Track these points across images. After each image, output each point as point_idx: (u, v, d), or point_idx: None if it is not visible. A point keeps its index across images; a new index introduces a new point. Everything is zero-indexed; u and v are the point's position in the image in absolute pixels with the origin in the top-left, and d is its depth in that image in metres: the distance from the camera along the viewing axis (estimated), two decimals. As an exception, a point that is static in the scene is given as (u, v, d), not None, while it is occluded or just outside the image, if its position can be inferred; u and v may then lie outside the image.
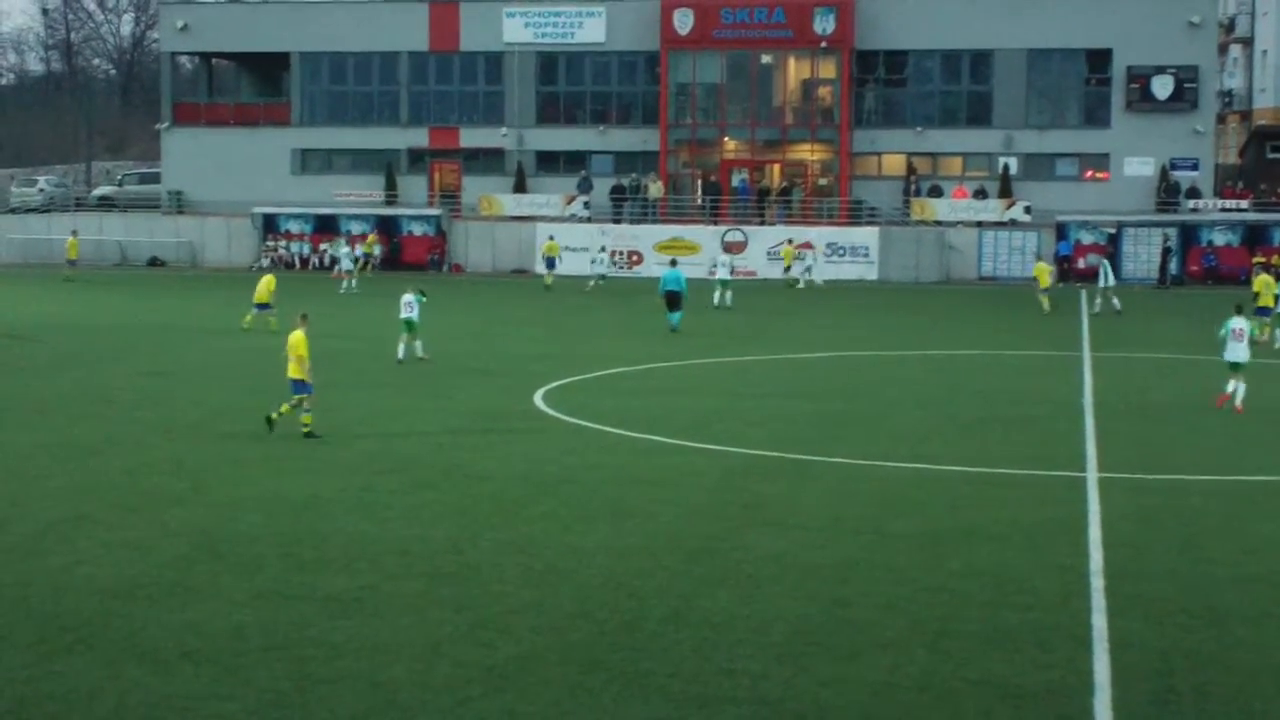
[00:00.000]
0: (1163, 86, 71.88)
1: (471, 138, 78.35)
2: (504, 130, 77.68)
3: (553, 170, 77.55)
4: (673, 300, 47.09)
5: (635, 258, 70.87)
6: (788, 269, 66.32)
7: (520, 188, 76.39)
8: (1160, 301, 60.11)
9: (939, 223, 71.46)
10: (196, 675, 14.52)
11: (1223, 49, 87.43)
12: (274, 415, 27.96)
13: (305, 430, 27.57)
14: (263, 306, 45.93)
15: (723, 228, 71.28)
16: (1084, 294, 56.97)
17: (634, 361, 39.11)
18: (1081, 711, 13.59)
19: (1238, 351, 31.25)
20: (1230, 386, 31.29)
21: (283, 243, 75.96)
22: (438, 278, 70.16)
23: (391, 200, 77.55)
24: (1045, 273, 55.42)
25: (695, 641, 15.55)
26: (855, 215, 73.13)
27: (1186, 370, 39.06)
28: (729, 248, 68.80)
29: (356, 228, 75.14)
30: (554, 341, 43.92)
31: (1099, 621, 16.22)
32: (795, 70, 75.90)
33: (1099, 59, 73.08)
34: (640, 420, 29.54)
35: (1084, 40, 72.82)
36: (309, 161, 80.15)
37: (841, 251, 69.20)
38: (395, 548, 19.40)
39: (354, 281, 62.34)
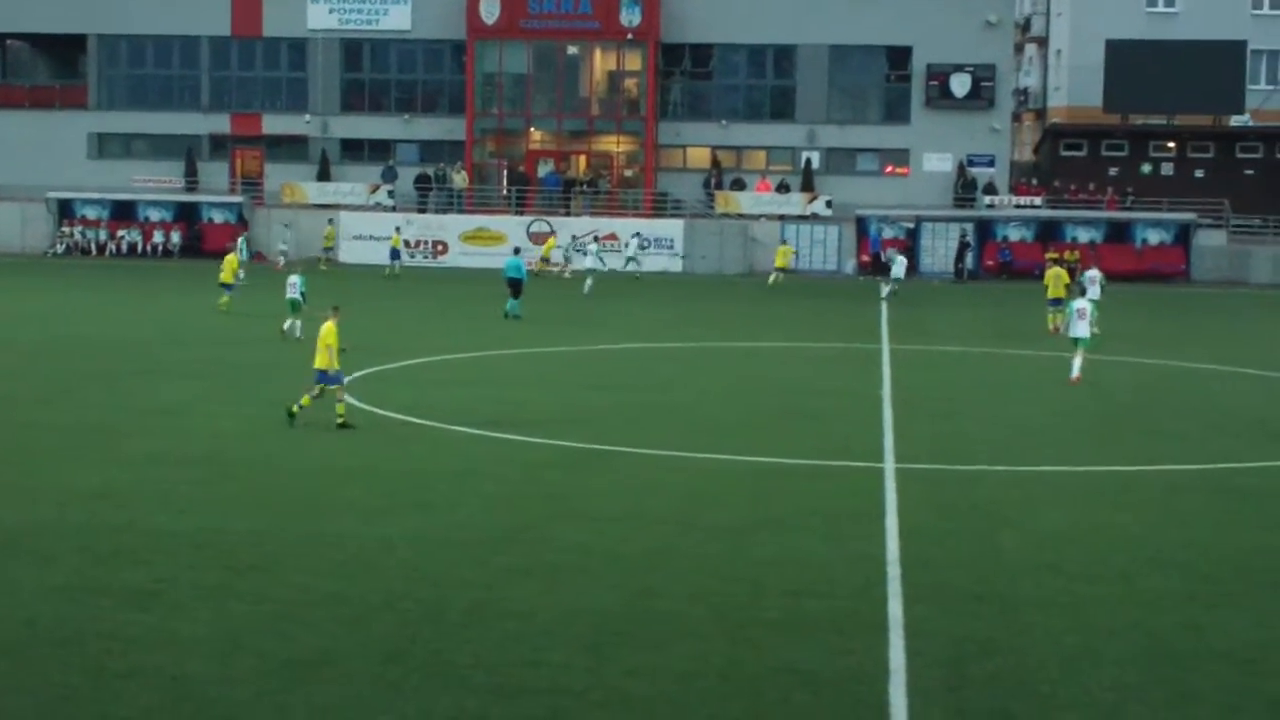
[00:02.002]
0: (961, 84, 73.37)
1: (274, 124, 77.38)
2: (307, 117, 76.83)
3: (357, 159, 76.90)
4: (514, 288, 47.25)
5: (440, 248, 70.54)
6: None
7: (324, 176, 75.62)
8: (957, 295, 61.29)
9: (742, 215, 72.17)
10: (-13, 671, 14.20)
11: (1019, 48, 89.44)
12: (294, 408, 27.46)
13: (340, 421, 27.19)
14: (228, 286, 47.23)
15: (528, 218, 71.23)
16: (882, 285, 57.93)
17: (438, 352, 38.93)
18: (877, 697, 13.84)
19: (1079, 329, 35.21)
20: (1076, 361, 34.83)
21: (79, 228, 74.23)
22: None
23: (192, 187, 76.28)
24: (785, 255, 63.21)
25: (498, 632, 15.55)
26: (660, 207, 73.55)
27: (982, 363, 39.92)
28: (534, 239, 68.73)
29: (155, 214, 73.80)
30: (357, 332, 43.45)
31: (895, 609, 16.53)
32: (601, 62, 76.12)
33: (899, 56, 74.31)
34: (444, 411, 29.42)
35: (885, 38, 74.01)
36: (107, 146, 78.53)
37: (646, 243, 69.50)
38: (193, 540, 19.12)
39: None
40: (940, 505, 22.12)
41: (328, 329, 27.72)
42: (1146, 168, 76.57)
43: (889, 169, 75.01)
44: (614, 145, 76.85)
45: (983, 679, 14.41)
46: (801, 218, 71.70)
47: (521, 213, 72.32)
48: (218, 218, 74.01)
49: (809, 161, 74.17)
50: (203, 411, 29.31)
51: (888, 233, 70.46)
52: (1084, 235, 70.15)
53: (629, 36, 73.95)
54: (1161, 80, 74.15)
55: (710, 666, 14.62)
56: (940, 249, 69.96)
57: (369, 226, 70.95)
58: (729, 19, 74.25)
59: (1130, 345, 42.96)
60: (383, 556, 18.47)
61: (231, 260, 48.44)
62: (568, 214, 72.13)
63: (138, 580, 17.23)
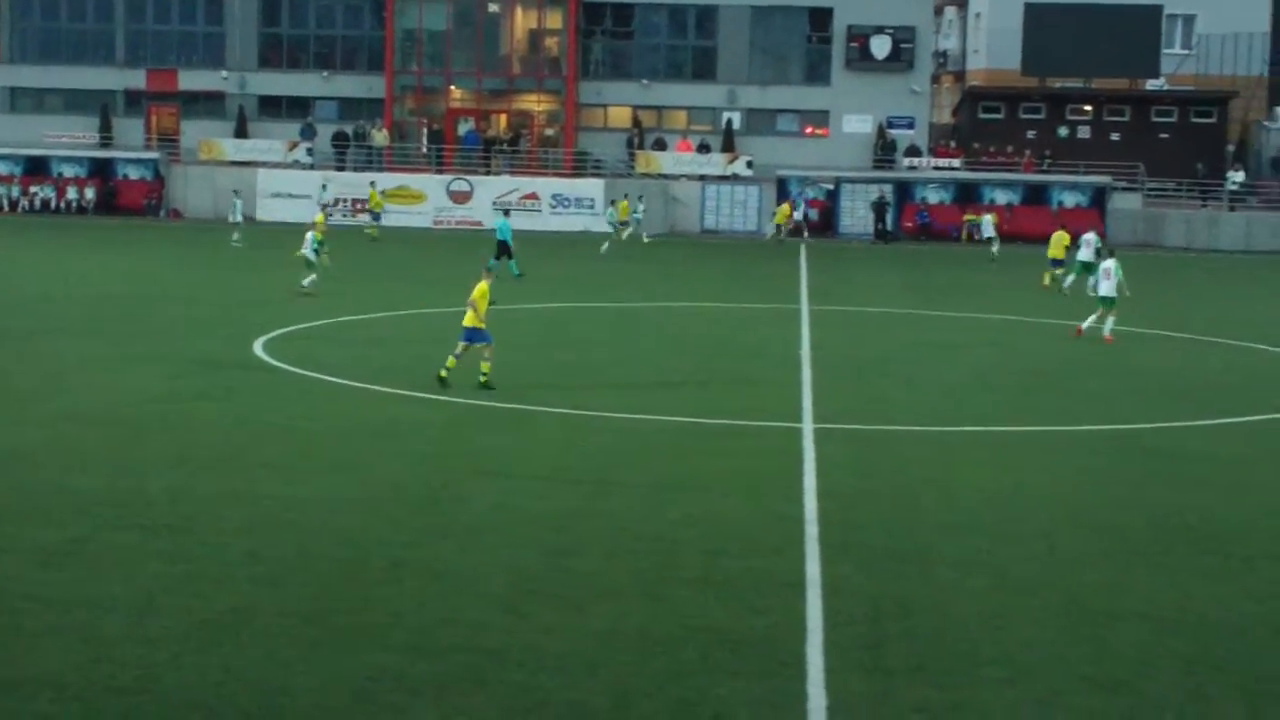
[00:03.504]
0: (881, 46, 73.56)
1: (191, 80, 76.56)
2: (224, 73, 76.04)
3: (275, 116, 76.20)
4: (503, 249, 47.23)
5: (360, 205, 70.05)
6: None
7: (241, 133, 74.89)
8: (877, 256, 61.54)
9: (663, 176, 72.13)
10: (-104, 632, 14.00)
11: (938, 11, 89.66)
12: (443, 373, 27.31)
13: (483, 380, 27.20)
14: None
15: (448, 177, 70.87)
16: (803, 246, 58.12)
17: (358, 311, 38.70)
18: (794, 656, 13.89)
19: (1108, 288, 36.04)
20: (1095, 320, 36.14)
21: (-10, 184, 73.26)
22: (155, 224, 68.50)
23: (106, 143, 75.36)
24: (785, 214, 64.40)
25: (416, 592, 15.49)
26: (580, 167, 73.38)
27: (901, 324, 40.11)
28: (455, 197, 68.42)
29: (69, 170, 72.90)
30: (274, 289, 43.18)
31: (813, 568, 16.58)
32: (523, 20, 75.76)
33: (820, 18, 74.39)
34: (363, 370, 29.25)
35: (806, -1, 74.05)
36: (19, 101, 77.49)
37: (567, 203, 69.34)
38: (108, 499, 18.92)
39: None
40: (859, 465, 22.21)
41: (481, 289, 27.59)
42: (1063, 131, 77.10)
43: (809, 130, 75.15)
44: (534, 104, 76.55)
45: (900, 637, 14.49)
46: (722, 178, 71.74)
47: (441, 171, 71.94)
48: (133, 174, 73.25)
49: (730, 122, 74.19)
50: (117, 370, 28.99)
51: (809, 193, 70.65)
52: (1001, 197, 70.63)
53: (550, -6, 73.61)
54: (1079, 44, 74.65)
55: (628, 625, 14.63)
56: (860, 210, 70.26)
57: (288, 184, 70.35)
58: (651, -22, 74.05)
59: (1047, 307, 43.31)
60: (300, 515, 18.35)
61: (320, 221, 48.58)
62: (488, 173, 71.84)
63: (52, 540, 17.03)
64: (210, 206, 71.91)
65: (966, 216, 68.36)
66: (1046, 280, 48.72)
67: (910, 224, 70.11)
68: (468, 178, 70.77)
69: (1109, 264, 36.59)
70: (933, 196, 71.00)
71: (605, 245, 57.79)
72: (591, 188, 70.48)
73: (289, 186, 69.63)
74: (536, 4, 74.65)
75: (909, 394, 28.85)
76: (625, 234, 61.79)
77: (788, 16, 74.92)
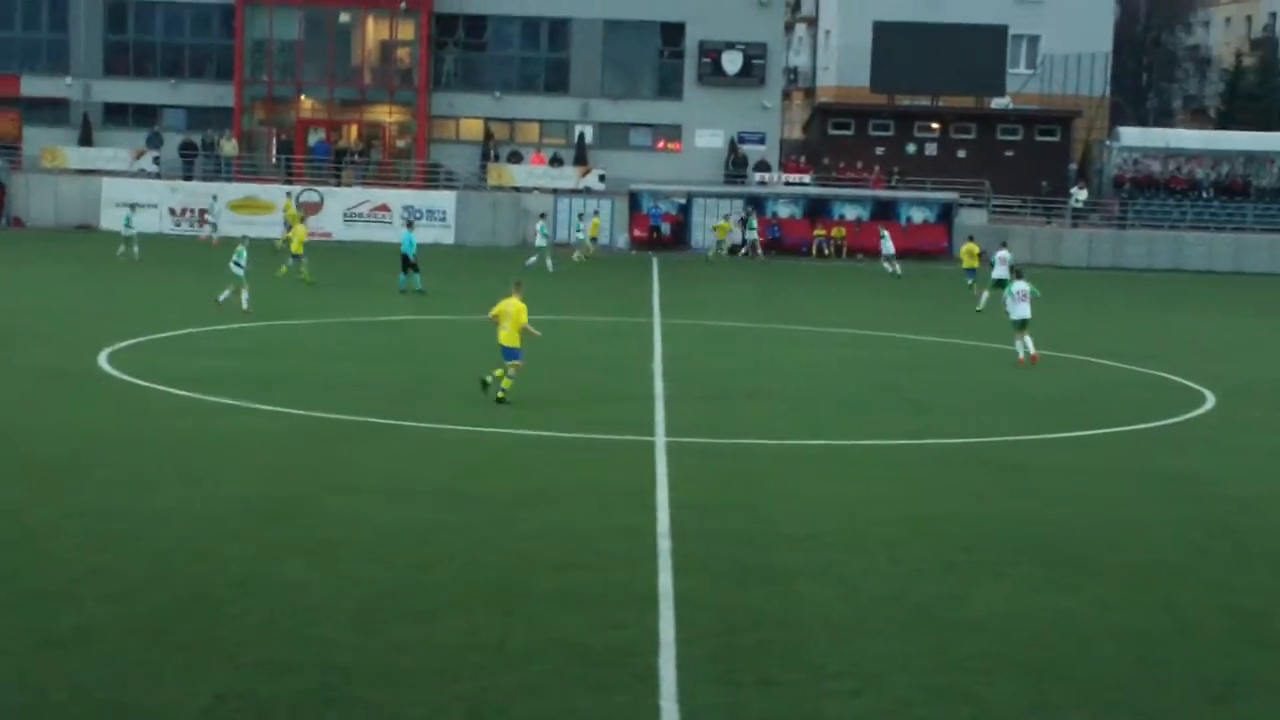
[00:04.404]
0: (732, 62, 74.13)
1: (33, 86, 75.15)
2: (69, 80, 74.72)
3: (121, 124, 75.01)
4: (408, 262, 46.66)
5: (206, 216, 69.10)
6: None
7: (86, 140, 73.66)
8: (728, 270, 61.87)
9: (516, 188, 72.06)
10: None
11: (789, 28, 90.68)
12: (500, 395, 27.45)
13: (500, 397, 27.36)
14: (297, 257, 48.15)
15: (298, 188, 70.24)
16: (655, 261, 58.31)
17: (204, 323, 38.19)
18: (648, 669, 13.92)
19: (1023, 310, 35.28)
20: (1019, 344, 34.95)
21: None
22: (-4, 232, 67.18)
23: (-54, 150, 73.82)
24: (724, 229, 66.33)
25: (266, 608, 15.32)
26: (432, 179, 73.08)
27: (753, 337, 40.39)
28: (306, 209, 67.80)
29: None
30: (121, 300, 42.54)
31: (665, 581, 16.64)
32: (374, 30, 75.35)
33: (673, 32, 74.78)
34: (210, 382, 28.86)
35: (658, 13, 74.44)
36: None
37: (418, 215, 69.02)
38: (-52, 514, 18.51)
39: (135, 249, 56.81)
40: (710, 478, 22.33)
41: (519, 306, 27.73)
42: (911, 148, 78.15)
43: (661, 144, 75.49)
44: (386, 115, 76.15)
45: (752, 650, 14.59)
46: (575, 191, 71.80)
47: (291, 181, 71.28)
48: (-27, 182, 71.67)
49: (582, 135, 74.31)
50: (-43, 382, 28.37)
51: (663, 207, 70.96)
52: (851, 213, 71.44)
53: (402, 6, 73.29)
54: (926, 62, 75.77)
55: (480, 640, 14.58)
56: (711, 224, 70.53)
57: (133, 193, 69.23)
58: (504, -10, 74.02)
59: (895, 321, 43.86)
60: (148, 531, 18.07)
61: (300, 231, 49.71)
62: (339, 184, 71.31)
63: (-113, 556, 16.64)
64: (52, 215, 70.57)
65: (816, 231, 68.99)
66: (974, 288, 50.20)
67: (762, 238, 70.59)
68: (318, 189, 70.17)
69: (1023, 286, 36.09)
70: (784, 211, 71.59)
71: (533, 258, 56.96)
72: (443, 200, 70.21)
73: (135, 195, 68.49)
74: (389, 15, 74.26)
75: (760, 407, 29.05)
76: (591, 251, 63.16)
77: (640, 31, 75.21)
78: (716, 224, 67.93)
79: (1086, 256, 71.71)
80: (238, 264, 40.14)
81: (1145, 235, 72.92)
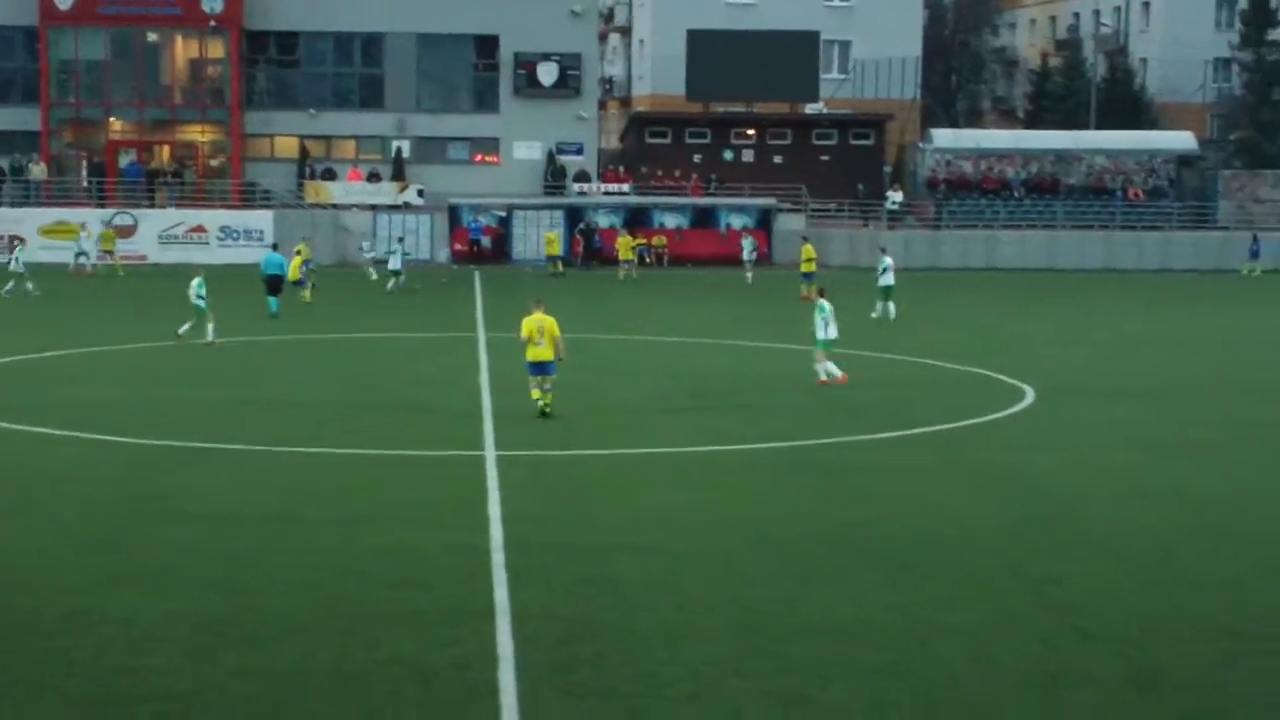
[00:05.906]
0: (548, 73, 74.22)
1: None
2: None
3: (-80, 150, 73.16)
4: (273, 285, 45.72)
5: (17, 242, 67.56)
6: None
7: (-113, 168, 71.71)
8: (550, 282, 61.85)
9: (334, 206, 71.50)
10: None
11: (603, 38, 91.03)
12: (546, 409, 28.21)
13: (543, 407, 28.22)
14: (298, 283, 48.59)
15: (111, 210, 69.00)
16: (477, 275, 58.14)
17: (22, 351, 37.41)
18: (487, 684, 13.95)
19: (833, 331, 33.54)
20: (820, 367, 33.39)
21: None
22: None
23: None
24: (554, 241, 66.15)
25: (96, 640, 15.09)
26: (249, 198, 72.22)
27: (578, 348, 40.38)
28: (120, 231, 66.55)
29: None
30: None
31: (501, 595, 16.67)
32: (184, 49, 74.29)
33: (487, 45, 74.68)
34: (32, 412, 28.28)
35: (472, 26, 74.29)
36: None
37: (235, 235, 68.19)
38: None
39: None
40: (542, 490, 22.39)
41: (550, 322, 28.13)
42: (728, 154, 78.82)
43: (479, 157, 75.37)
44: (199, 135, 75.10)
45: (591, 659, 14.67)
46: (393, 207, 71.39)
47: (103, 204, 70.00)
48: None
49: (399, 150, 73.94)
50: None
51: (483, 220, 70.84)
52: (671, 221, 71.91)
53: (211, 24, 72.34)
54: (741, 69, 76.51)
55: (318, 663, 14.50)
56: (533, 237, 70.58)
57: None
58: (315, 6, 73.40)
59: (720, 328, 44.23)
60: (-31, 567, 17.70)
61: (297, 260, 50.32)
62: (152, 205, 70.18)
63: None
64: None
65: (637, 241, 69.23)
66: (805, 293, 50.68)
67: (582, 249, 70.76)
68: (131, 211, 69.00)
69: (827, 311, 34.69)
70: (603, 221, 71.82)
71: (391, 282, 55.88)
72: (260, 219, 69.37)
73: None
74: (198, 33, 73.27)
75: (589, 417, 29.14)
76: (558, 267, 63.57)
77: (455, 44, 75.02)
78: (549, 234, 67.70)
79: (903, 258, 72.53)
80: (200, 296, 38.83)
81: (960, 235, 74.29)
